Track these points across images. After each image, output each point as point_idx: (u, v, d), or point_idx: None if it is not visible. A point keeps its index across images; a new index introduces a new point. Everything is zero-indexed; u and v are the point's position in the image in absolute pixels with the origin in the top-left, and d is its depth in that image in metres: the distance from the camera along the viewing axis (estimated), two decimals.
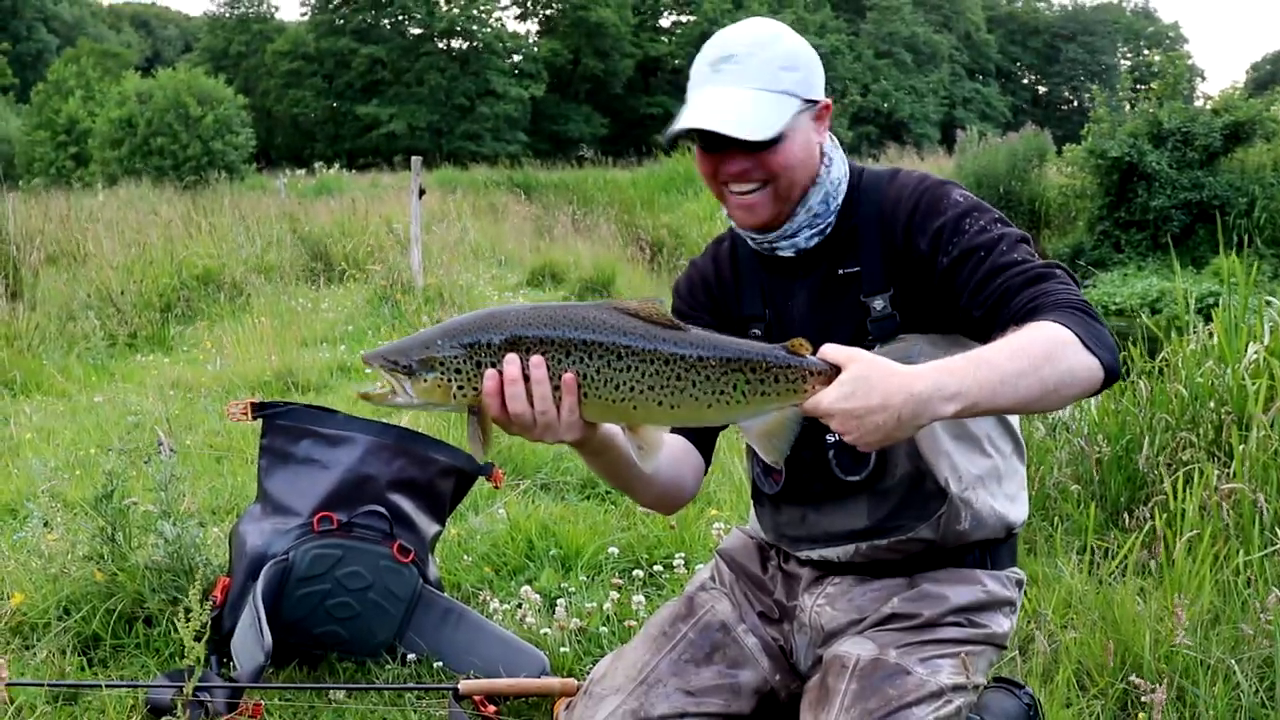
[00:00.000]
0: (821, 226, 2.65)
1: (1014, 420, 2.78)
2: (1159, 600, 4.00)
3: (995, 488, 2.70)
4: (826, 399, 2.12)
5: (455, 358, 2.20)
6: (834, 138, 2.69)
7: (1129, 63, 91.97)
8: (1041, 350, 2.17)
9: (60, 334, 10.76)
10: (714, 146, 2.53)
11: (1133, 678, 3.50)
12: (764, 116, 2.47)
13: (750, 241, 2.74)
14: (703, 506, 5.43)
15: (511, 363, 2.17)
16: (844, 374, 2.13)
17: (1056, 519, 5.19)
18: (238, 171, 41.78)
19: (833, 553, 2.74)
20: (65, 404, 8.52)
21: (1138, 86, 26.14)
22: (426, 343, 2.22)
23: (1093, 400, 6.33)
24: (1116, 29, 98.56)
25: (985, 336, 2.35)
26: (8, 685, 3.32)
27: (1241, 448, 4.88)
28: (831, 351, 2.17)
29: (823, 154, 2.64)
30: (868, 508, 2.57)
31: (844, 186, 2.67)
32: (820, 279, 2.68)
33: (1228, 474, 4.85)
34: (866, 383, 2.10)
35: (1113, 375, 2.24)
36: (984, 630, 2.68)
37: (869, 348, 2.39)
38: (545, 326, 2.20)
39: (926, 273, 2.53)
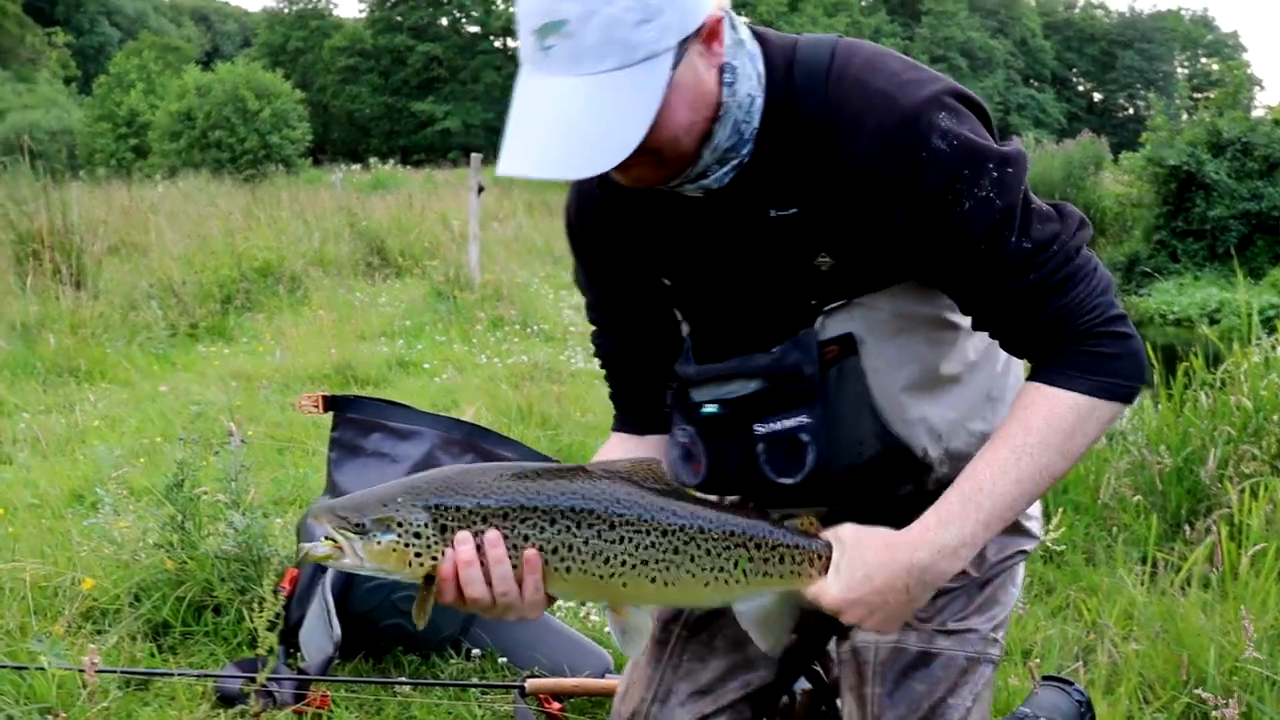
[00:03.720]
0: (735, 160, 1.98)
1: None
2: (1223, 614, 3.95)
3: (989, 415, 2.23)
4: (829, 594, 1.94)
5: (415, 521, 1.88)
6: (739, 27, 1.98)
7: (1186, 71, 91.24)
8: (1056, 446, 1.92)
9: (123, 323, 10.84)
10: None
11: (1199, 691, 3.46)
12: (617, 128, 1.78)
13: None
14: None
15: (464, 542, 1.87)
16: (836, 558, 1.95)
17: (1115, 529, 5.17)
18: (294, 165, 42.01)
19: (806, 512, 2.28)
20: (128, 392, 8.60)
21: (1195, 95, 25.89)
22: (385, 500, 1.90)
23: (1152, 411, 6.32)
24: (1174, 37, 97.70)
25: (994, 336, 2.08)
26: (80, 671, 3.39)
27: None
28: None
29: (723, 72, 1.91)
30: (820, 499, 2.13)
31: (760, 100, 1.97)
32: (746, 222, 2.07)
33: None
34: (862, 564, 1.92)
35: (1132, 399, 1.97)
36: (1004, 562, 2.35)
37: (814, 312, 2.07)
38: (522, 492, 1.92)
39: (901, 243, 1.98)
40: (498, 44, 71.85)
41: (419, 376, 9.45)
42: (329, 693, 3.59)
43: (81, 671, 3.40)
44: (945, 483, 2.05)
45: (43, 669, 3.43)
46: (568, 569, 1.91)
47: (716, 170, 1.98)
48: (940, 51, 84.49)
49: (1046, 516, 4.92)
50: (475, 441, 4.08)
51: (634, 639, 2.02)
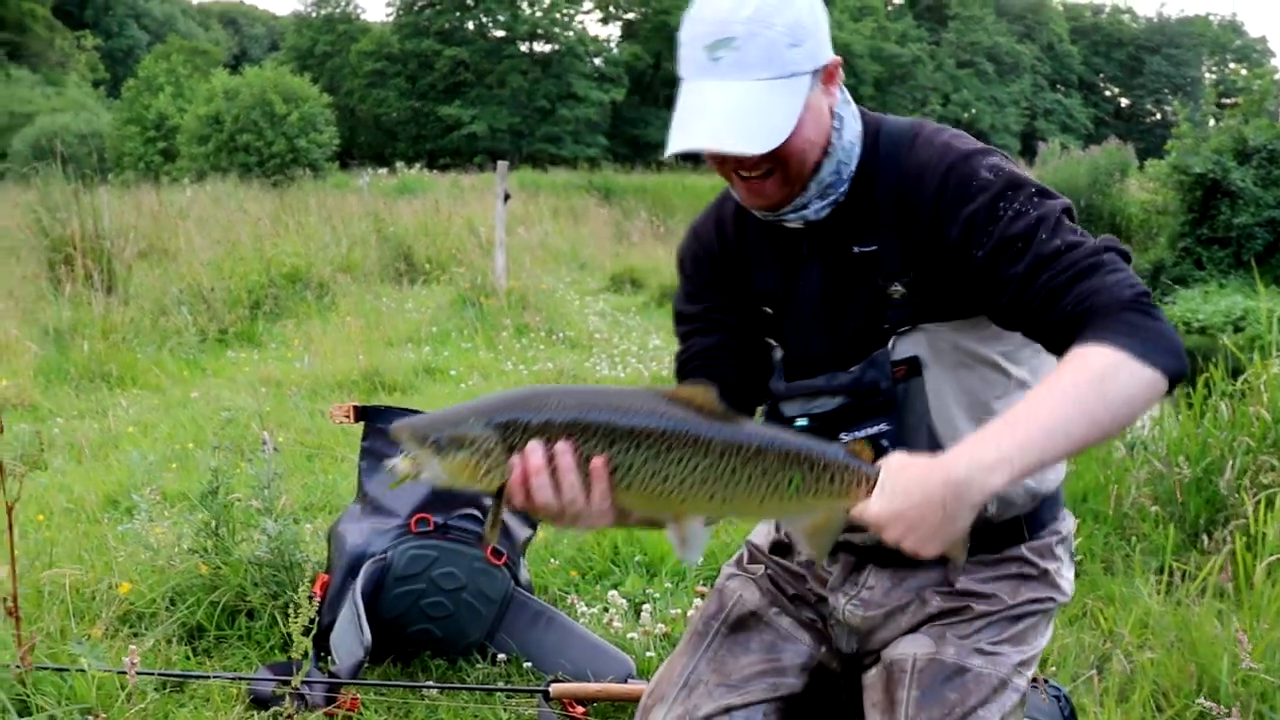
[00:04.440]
0: (833, 197, 2.39)
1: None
2: (1237, 623, 4.00)
3: None
4: (873, 509, 2.01)
5: (485, 438, 2.04)
6: (844, 90, 2.40)
7: (1214, 76, 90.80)
8: (1088, 388, 2.00)
9: (153, 328, 10.97)
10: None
11: (1201, 700, 3.50)
12: (776, 119, 2.21)
13: (756, 213, 2.47)
14: None
15: (534, 451, 2.03)
16: (881, 479, 2.04)
17: (1134, 538, 5.21)
18: (321, 169, 42.08)
19: (857, 537, 2.51)
20: (159, 398, 8.71)
21: (1223, 102, 25.76)
22: (458, 419, 2.06)
23: (1173, 420, 6.36)
24: (1202, 42, 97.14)
25: (1034, 336, 2.24)
26: (119, 673, 3.48)
27: None
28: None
29: (833, 114, 2.35)
30: None
31: (857, 149, 2.40)
32: (834, 257, 2.43)
33: None
34: (904, 481, 1.99)
35: (1178, 377, 2.05)
36: (1037, 604, 2.52)
37: (885, 335, 2.37)
38: (588, 411, 2.06)
39: (958, 263, 2.28)
40: (524, 48, 71.89)
41: (446, 383, 9.53)
42: (359, 695, 3.67)
43: (121, 673, 3.50)
44: (987, 522, 2.38)
45: (83, 670, 3.52)
46: (628, 485, 2.05)
47: (817, 203, 2.38)
48: (967, 56, 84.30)
49: None
50: None
51: (692, 548, 2.15)
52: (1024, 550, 2.54)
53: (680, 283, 2.72)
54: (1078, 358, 2.04)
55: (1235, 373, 6.34)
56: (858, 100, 2.48)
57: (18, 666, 3.36)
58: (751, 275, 2.57)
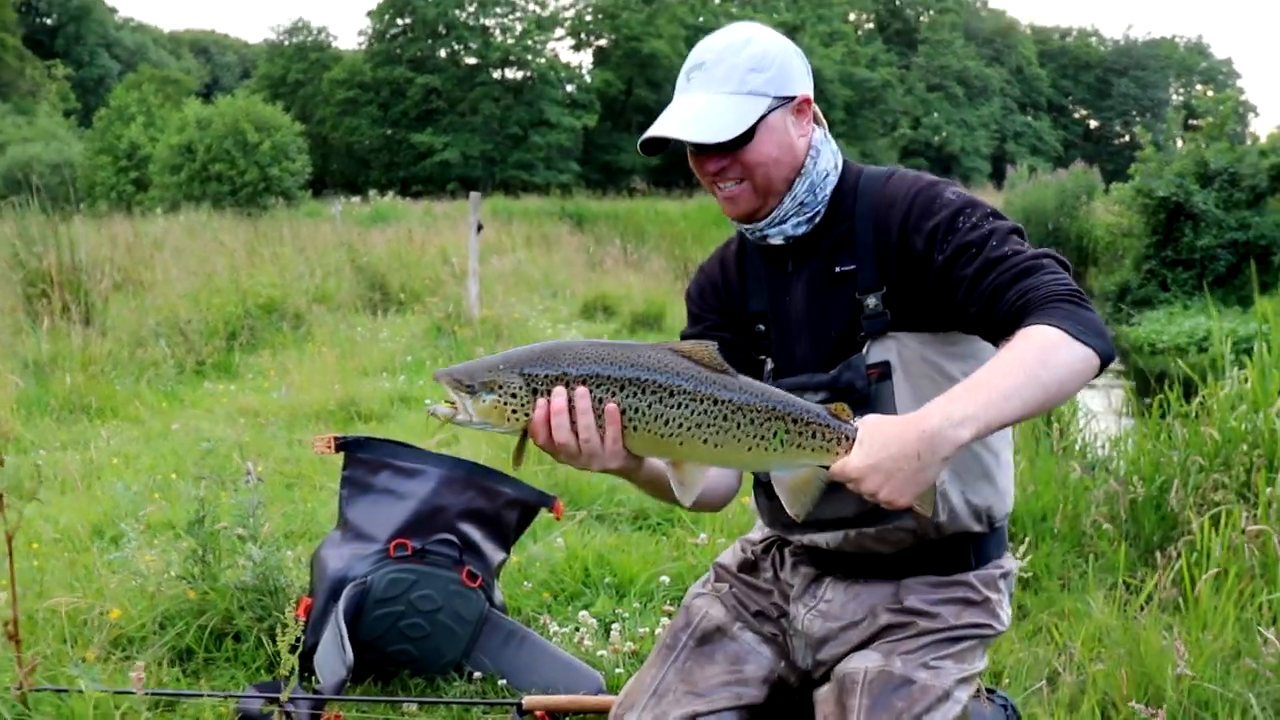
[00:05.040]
0: (809, 215, 2.75)
1: None
2: (1182, 635, 4.16)
3: (974, 481, 2.75)
4: (852, 462, 2.23)
5: (513, 383, 2.35)
6: (827, 134, 2.80)
7: (1181, 98, 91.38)
8: (1035, 358, 2.25)
9: (131, 360, 11.02)
10: (697, 149, 2.68)
11: (1135, 705, 3.62)
12: (725, 118, 2.60)
13: (745, 233, 2.85)
14: None
15: (558, 394, 2.34)
16: (860, 436, 2.27)
17: (1092, 556, 5.37)
18: (294, 198, 41.92)
19: (823, 538, 2.82)
20: (139, 429, 8.79)
21: (1190, 123, 26.00)
22: (490, 367, 2.38)
23: (1130, 441, 6.55)
24: (1169, 64, 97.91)
25: (982, 330, 2.54)
26: (116, 692, 3.63)
27: (1269, 490, 5.02)
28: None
29: (810, 146, 2.72)
30: (856, 497, 2.37)
31: (833, 178, 2.77)
32: (817, 275, 2.77)
33: (1255, 515, 4.98)
34: (881, 435, 2.23)
35: (1107, 358, 2.32)
36: (977, 629, 2.78)
37: (860, 344, 2.69)
38: (602, 362, 2.36)
39: (922, 271, 2.61)
40: (496, 75, 72.00)
41: (420, 411, 9.53)
42: (342, 712, 3.81)
43: (119, 693, 3.65)
44: (938, 530, 2.73)
45: (81, 691, 3.68)
46: (634, 428, 2.37)
47: (794, 219, 2.75)
48: (937, 80, 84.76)
49: (1022, 541, 5.18)
50: (475, 479, 4.34)
51: (688, 491, 2.44)
52: (971, 577, 2.82)
53: (687, 315, 3.07)
54: (1025, 336, 2.31)
55: (1194, 393, 6.52)
56: (828, 125, 2.84)
57: (19, 688, 3.52)
58: (748, 301, 2.92)
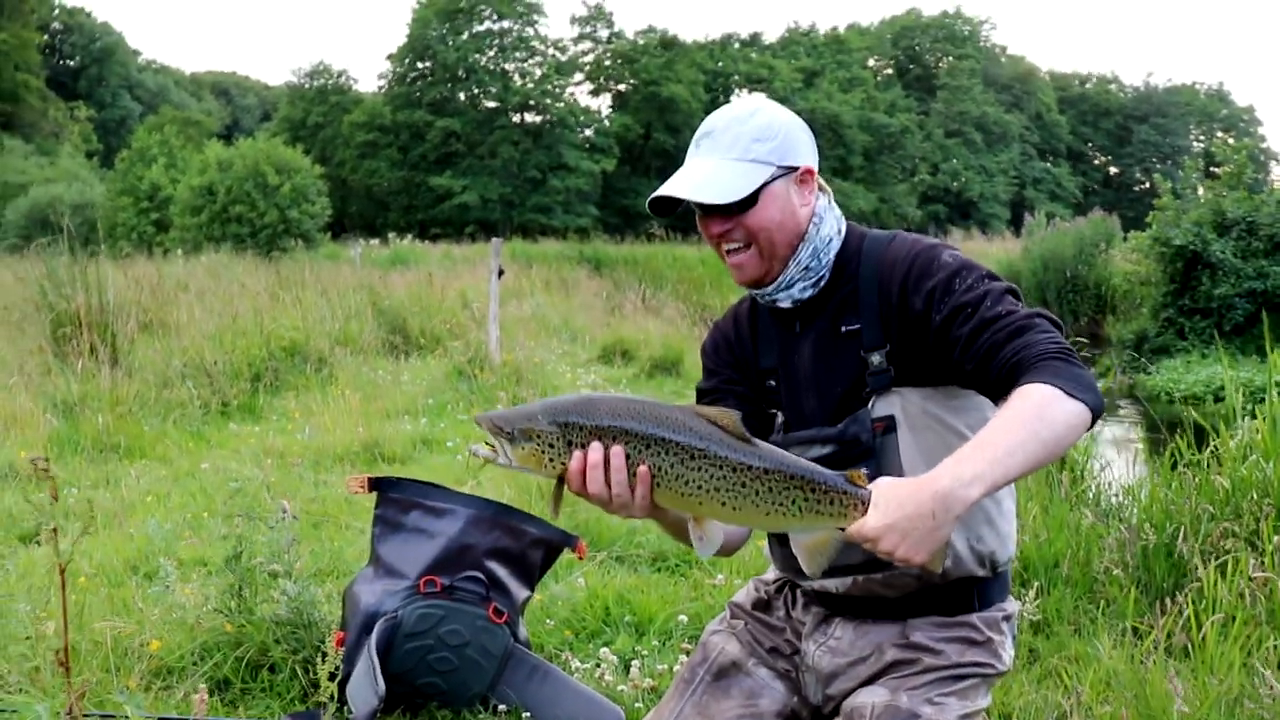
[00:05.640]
0: (815, 279, 2.90)
1: None
2: (1175, 675, 4.24)
3: (977, 528, 2.86)
4: (869, 524, 2.33)
5: (550, 433, 2.46)
6: (831, 201, 2.95)
7: (1202, 145, 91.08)
8: (1034, 415, 2.37)
9: (157, 400, 11.15)
10: (704, 211, 2.83)
11: None
12: (727, 182, 2.76)
13: (755, 297, 3.04)
14: None
15: (595, 450, 2.44)
16: (874, 499, 2.36)
17: (1103, 601, 5.46)
18: (313, 240, 42.07)
19: (832, 584, 2.93)
20: (168, 469, 8.94)
21: (1212, 171, 25.94)
22: (529, 416, 2.48)
23: (1144, 489, 6.64)
24: (1189, 111, 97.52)
25: (979, 386, 2.67)
26: (161, 719, 3.77)
27: (1276, 538, 5.09)
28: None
29: (814, 214, 2.87)
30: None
31: (836, 244, 2.92)
32: (824, 334, 2.92)
33: (1263, 563, 5.06)
34: (895, 496, 2.33)
35: (1098, 412, 2.44)
36: (979, 668, 2.90)
37: (865, 399, 2.83)
38: (632, 419, 2.46)
39: (922, 330, 2.75)
40: (515, 119, 72.35)
41: (443, 454, 9.75)
42: None
43: (163, 719, 3.80)
44: (944, 575, 2.84)
45: (128, 717, 3.81)
46: (658, 484, 2.46)
47: (800, 284, 2.90)
48: (955, 126, 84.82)
49: (1034, 586, 5.29)
50: (501, 519, 4.48)
51: (707, 546, 2.55)
52: (975, 619, 2.95)
53: (703, 369, 3.21)
54: (1022, 394, 2.43)
55: (1205, 441, 6.61)
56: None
57: (69, 713, 3.66)
58: (759, 358, 3.06)
